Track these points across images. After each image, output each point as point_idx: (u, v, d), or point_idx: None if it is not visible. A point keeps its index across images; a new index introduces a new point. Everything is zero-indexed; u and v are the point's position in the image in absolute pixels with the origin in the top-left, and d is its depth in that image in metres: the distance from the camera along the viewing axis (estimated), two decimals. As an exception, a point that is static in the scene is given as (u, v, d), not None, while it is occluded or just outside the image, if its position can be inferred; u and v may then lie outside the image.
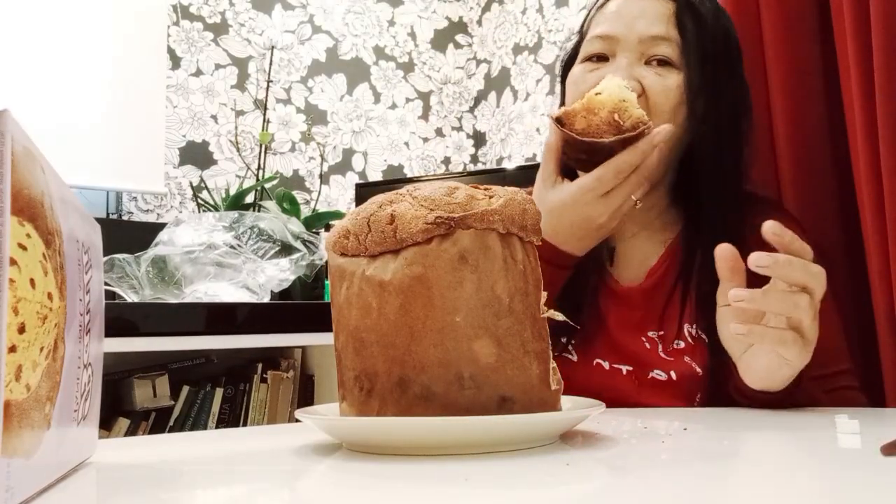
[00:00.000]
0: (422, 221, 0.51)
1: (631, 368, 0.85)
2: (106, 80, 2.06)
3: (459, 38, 2.89)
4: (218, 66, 2.39)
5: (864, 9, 1.11)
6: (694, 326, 0.84)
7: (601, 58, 0.86)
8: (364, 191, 2.23)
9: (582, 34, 0.94)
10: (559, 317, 0.55)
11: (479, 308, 0.50)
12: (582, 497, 0.39)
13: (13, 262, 0.33)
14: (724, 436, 0.58)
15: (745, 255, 0.72)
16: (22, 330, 0.34)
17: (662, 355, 0.84)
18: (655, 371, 0.84)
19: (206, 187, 2.25)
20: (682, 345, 0.83)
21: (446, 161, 2.81)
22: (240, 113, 2.40)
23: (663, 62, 0.83)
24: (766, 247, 0.74)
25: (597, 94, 0.74)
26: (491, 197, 0.53)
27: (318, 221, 2.01)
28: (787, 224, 0.78)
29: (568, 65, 0.94)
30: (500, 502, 0.37)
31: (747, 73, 0.96)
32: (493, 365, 0.50)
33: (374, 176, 2.65)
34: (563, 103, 0.95)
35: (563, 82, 0.95)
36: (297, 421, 0.57)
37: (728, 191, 0.86)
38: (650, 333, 0.86)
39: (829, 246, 1.23)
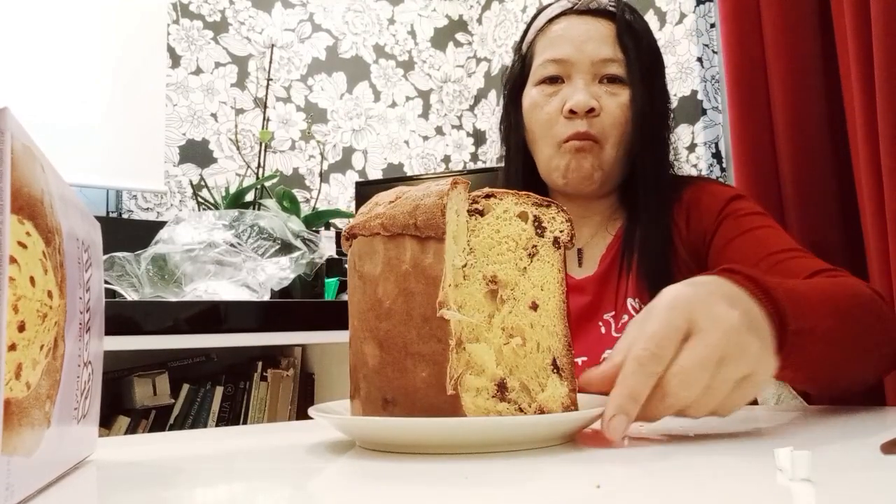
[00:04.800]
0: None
1: (586, 358, 0.88)
2: (106, 78, 2.06)
3: (459, 36, 2.89)
4: (218, 65, 2.39)
5: (864, 8, 1.11)
6: (636, 300, 0.89)
7: (555, 79, 0.94)
8: (364, 189, 2.23)
9: (524, 56, 1.00)
10: (455, 316, 0.50)
11: (366, 311, 0.53)
12: (584, 496, 0.39)
13: (13, 260, 0.33)
14: (727, 434, 0.58)
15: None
16: (22, 328, 0.34)
17: (615, 334, 0.89)
18: (607, 350, 0.87)
19: (206, 185, 2.24)
20: (627, 318, 0.89)
21: (446, 159, 2.80)
22: (240, 111, 2.40)
23: (613, 80, 0.93)
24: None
25: None
26: (395, 199, 0.55)
27: (318, 220, 2.01)
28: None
29: (516, 85, 1.00)
30: (511, 500, 0.37)
31: (748, 71, 0.97)
32: (376, 367, 0.52)
33: (375, 174, 2.64)
34: (512, 123, 1.01)
35: (510, 102, 1.01)
36: (298, 419, 0.57)
37: (660, 182, 0.95)
38: (605, 316, 0.92)
39: (829, 246, 1.23)
